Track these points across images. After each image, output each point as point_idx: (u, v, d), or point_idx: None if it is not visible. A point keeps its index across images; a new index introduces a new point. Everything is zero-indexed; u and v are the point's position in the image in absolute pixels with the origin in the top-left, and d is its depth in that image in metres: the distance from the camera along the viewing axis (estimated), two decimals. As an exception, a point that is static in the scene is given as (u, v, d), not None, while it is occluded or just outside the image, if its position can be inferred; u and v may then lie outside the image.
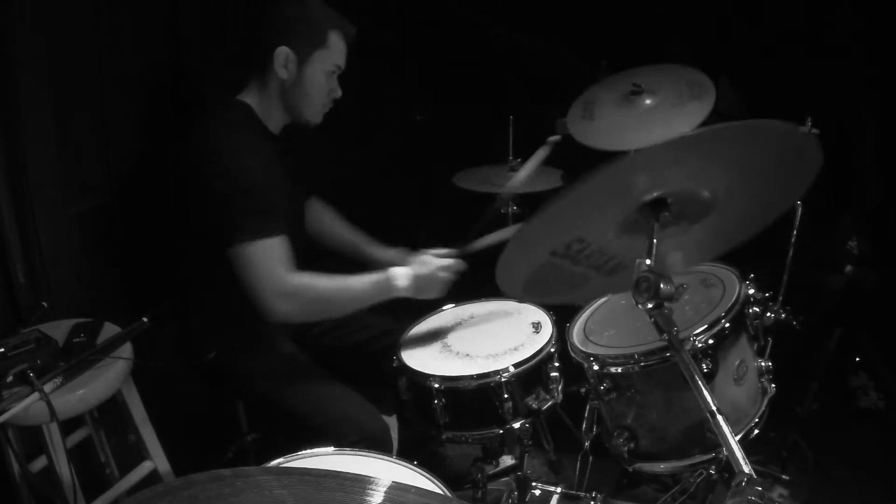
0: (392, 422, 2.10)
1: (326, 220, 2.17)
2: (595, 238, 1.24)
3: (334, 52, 1.79)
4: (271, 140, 1.86)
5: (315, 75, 1.78)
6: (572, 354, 1.68)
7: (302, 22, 1.75)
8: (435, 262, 1.82)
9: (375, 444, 1.71)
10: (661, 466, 1.59)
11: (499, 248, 1.16)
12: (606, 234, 1.26)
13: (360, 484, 0.74)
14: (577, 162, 2.98)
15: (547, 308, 1.93)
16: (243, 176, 1.68)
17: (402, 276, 1.76)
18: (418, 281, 1.77)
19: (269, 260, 1.67)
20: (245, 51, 1.87)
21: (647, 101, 2.12)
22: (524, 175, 2.04)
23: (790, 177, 1.28)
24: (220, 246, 1.68)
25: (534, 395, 1.71)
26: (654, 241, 1.23)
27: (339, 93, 1.86)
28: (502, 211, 2.67)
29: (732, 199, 1.24)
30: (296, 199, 1.95)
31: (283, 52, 1.74)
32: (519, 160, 2.55)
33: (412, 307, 2.11)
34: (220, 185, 1.68)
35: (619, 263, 1.31)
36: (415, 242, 2.05)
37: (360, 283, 1.75)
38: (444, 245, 1.90)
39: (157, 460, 1.92)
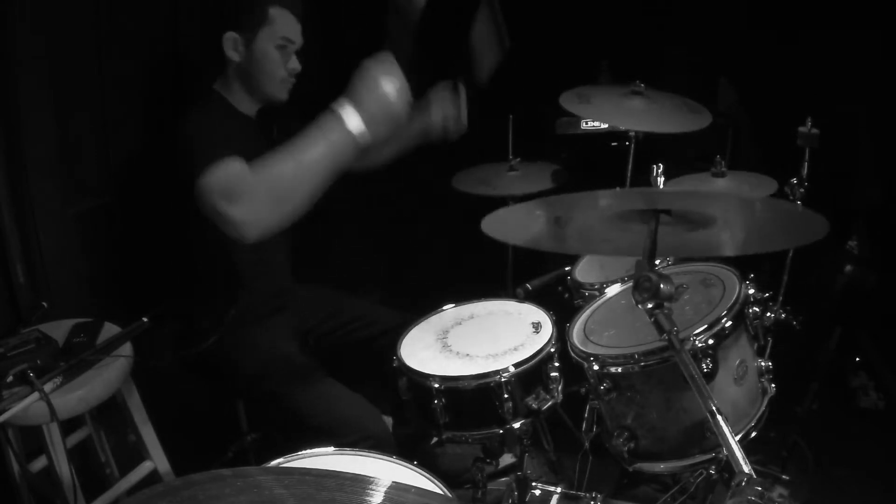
0: (388, 421, 2.10)
1: None
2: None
3: (279, 25, 1.85)
4: (247, 121, 1.92)
5: (265, 51, 1.85)
6: (572, 354, 1.68)
7: (241, 5, 1.84)
8: (373, 67, 1.48)
9: (377, 444, 1.71)
10: (661, 466, 1.59)
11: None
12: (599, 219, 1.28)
13: (360, 484, 0.74)
14: (577, 162, 3.00)
15: (547, 308, 1.93)
16: (207, 129, 1.70)
17: (348, 111, 1.45)
18: (366, 110, 1.45)
19: (220, 177, 1.49)
20: (203, 45, 1.92)
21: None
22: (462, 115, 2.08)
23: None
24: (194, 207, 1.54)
25: (534, 395, 1.71)
26: (654, 242, 1.24)
27: (297, 66, 1.92)
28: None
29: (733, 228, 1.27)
30: None
31: (230, 37, 1.84)
32: (519, 159, 2.55)
33: (414, 307, 2.12)
34: (186, 140, 1.68)
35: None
36: (414, 242, 2.06)
37: (311, 144, 1.46)
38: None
39: (157, 460, 1.92)
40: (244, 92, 1.92)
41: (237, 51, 1.85)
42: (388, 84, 1.46)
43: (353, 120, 1.44)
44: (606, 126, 3.13)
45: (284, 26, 1.87)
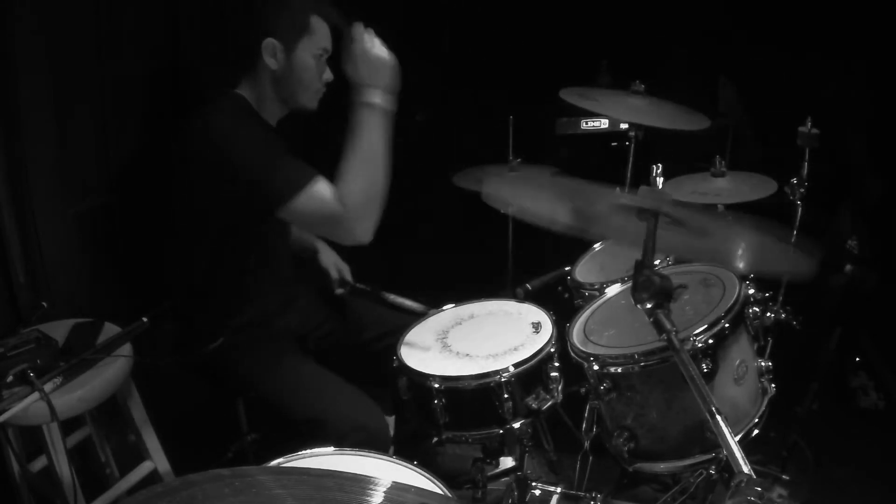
0: (390, 422, 2.10)
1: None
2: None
3: (319, 36, 1.81)
4: (269, 129, 1.86)
5: (304, 61, 1.80)
6: (572, 354, 1.68)
7: (284, 11, 1.78)
8: (365, 46, 1.66)
9: (373, 439, 1.71)
10: (661, 466, 1.59)
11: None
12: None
13: (360, 484, 0.74)
14: (577, 162, 3.00)
15: (547, 308, 1.93)
16: (258, 140, 1.70)
17: (372, 93, 1.65)
18: (380, 83, 1.65)
19: (322, 200, 1.63)
20: (234, 47, 1.89)
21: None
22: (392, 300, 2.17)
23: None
24: (255, 218, 1.71)
25: (534, 395, 1.71)
26: (654, 241, 1.24)
27: (330, 76, 1.87)
28: (502, 211, 2.67)
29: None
30: None
31: (269, 44, 1.77)
32: (519, 160, 2.55)
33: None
34: (237, 164, 1.66)
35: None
36: (415, 242, 2.06)
37: (369, 140, 1.64)
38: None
39: (157, 460, 1.92)
40: (275, 100, 1.85)
41: (276, 58, 1.78)
42: (382, 50, 1.66)
43: (378, 99, 1.64)
44: (606, 126, 3.13)
45: (323, 35, 1.83)
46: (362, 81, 1.65)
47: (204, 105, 1.81)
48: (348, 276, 2.18)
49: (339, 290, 2.17)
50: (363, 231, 1.66)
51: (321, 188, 1.64)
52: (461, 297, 2.06)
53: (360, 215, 1.64)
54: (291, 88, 1.83)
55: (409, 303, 2.09)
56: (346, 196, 1.63)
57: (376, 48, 1.66)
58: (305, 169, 1.66)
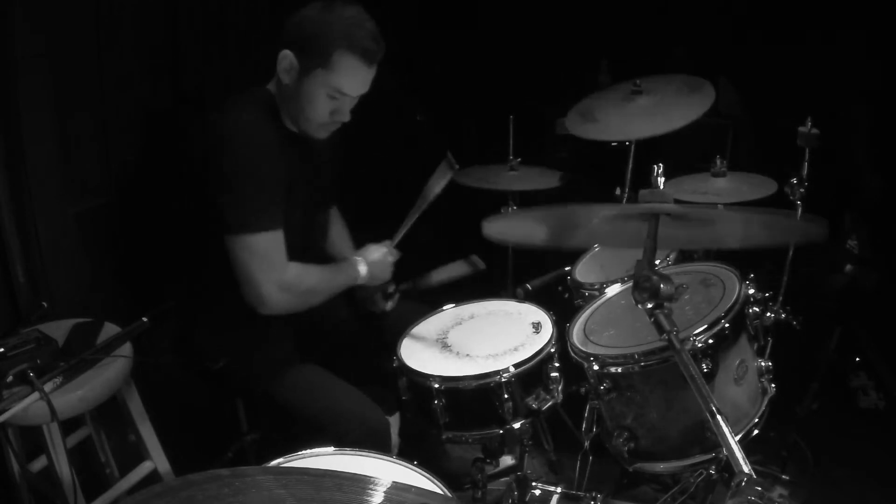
0: (394, 421, 2.10)
1: (334, 231, 2.17)
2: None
3: (339, 75, 1.67)
4: (287, 134, 1.80)
5: (314, 92, 1.69)
6: (572, 354, 1.68)
7: (308, 33, 1.66)
8: (380, 249, 1.97)
9: (375, 438, 1.71)
10: (661, 466, 1.59)
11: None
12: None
13: (360, 484, 0.74)
14: (577, 162, 3.00)
15: (547, 308, 1.93)
16: (254, 165, 1.65)
17: (361, 263, 1.92)
18: (372, 267, 1.93)
19: (273, 252, 1.70)
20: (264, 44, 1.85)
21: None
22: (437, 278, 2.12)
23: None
24: (220, 232, 1.67)
25: (534, 395, 1.71)
26: (654, 242, 1.24)
27: (346, 117, 1.77)
28: (503, 211, 2.67)
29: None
30: (310, 196, 1.91)
31: (287, 57, 1.67)
32: (519, 160, 2.55)
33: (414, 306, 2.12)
34: (230, 169, 1.64)
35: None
36: (415, 242, 2.06)
37: (336, 272, 1.90)
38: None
39: (157, 460, 1.92)
40: (287, 112, 1.78)
41: (289, 73, 1.68)
42: (387, 269, 1.98)
43: (363, 272, 1.92)
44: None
45: (344, 77, 1.67)
46: (367, 261, 1.92)
47: (230, 100, 1.75)
48: (390, 287, 2.08)
49: (389, 305, 2.09)
50: (270, 308, 1.73)
51: (278, 238, 1.70)
52: (461, 297, 2.06)
53: (284, 299, 1.74)
54: (295, 111, 1.75)
55: (456, 271, 2.03)
56: (294, 281, 1.76)
57: (386, 268, 1.97)
58: (274, 216, 1.69)
